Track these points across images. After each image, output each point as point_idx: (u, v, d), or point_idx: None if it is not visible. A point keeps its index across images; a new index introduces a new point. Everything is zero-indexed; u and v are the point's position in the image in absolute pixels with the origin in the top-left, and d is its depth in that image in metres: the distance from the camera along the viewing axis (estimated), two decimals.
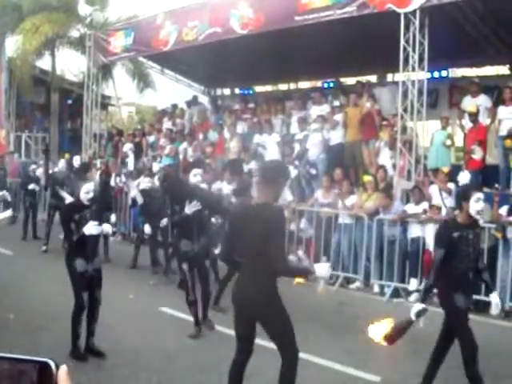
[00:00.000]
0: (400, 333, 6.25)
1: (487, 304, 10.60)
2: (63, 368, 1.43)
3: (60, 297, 9.55)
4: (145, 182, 14.66)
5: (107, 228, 8.10)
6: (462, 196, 6.67)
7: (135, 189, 14.13)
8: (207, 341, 8.51)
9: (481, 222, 10.83)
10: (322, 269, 5.53)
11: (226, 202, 10.87)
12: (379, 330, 6.07)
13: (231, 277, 10.23)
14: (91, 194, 7.61)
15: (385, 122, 15.06)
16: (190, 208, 8.71)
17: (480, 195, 6.58)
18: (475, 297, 10.72)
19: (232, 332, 8.77)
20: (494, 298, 6.72)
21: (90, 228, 7.38)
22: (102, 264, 8.15)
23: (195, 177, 9.77)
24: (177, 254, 9.41)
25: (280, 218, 5.53)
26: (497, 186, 12.26)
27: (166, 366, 7.41)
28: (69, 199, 14.71)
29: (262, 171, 6.12)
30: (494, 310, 6.80)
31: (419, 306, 6.32)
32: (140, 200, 13.79)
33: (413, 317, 6.35)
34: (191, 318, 8.94)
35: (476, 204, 6.44)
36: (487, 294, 7.43)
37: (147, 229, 13.41)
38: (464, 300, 6.45)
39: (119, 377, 7.00)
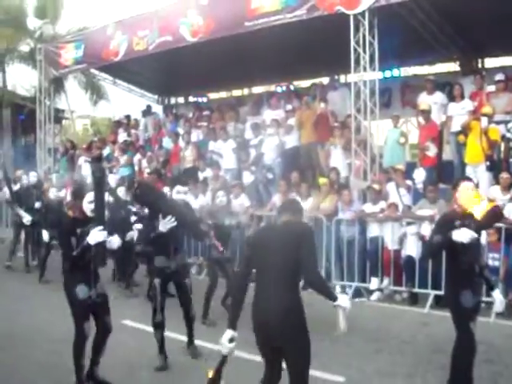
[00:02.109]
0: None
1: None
2: None
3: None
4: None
5: (116, 241, 7.03)
6: (453, 186, 6.62)
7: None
8: (169, 352, 8.35)
9: (437, 217, 10.98)
10: (344, 300, 5.42)
11: (204, 224, 10.24)
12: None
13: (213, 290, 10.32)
14: (93, 205, 6.65)
15: (336, 124, 15.13)
16: (164, 224, 7.87)
17: (469, 184, 6.49)
18: (437, 292, 10.87)
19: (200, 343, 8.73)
20: (497, 295, 6.58)
21: (96, 235, 6.38)
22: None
23: (178, 194, 9.17)
24: (151, 269, 8.64)
25: (312, 232, 5.43)
26: None
27: (128, 380, 7.31)
28: (26, 218, 14.47)
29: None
30: (498, 307, 6.63)
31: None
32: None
33: None
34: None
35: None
36: (488, 291, 7.27)
37: (45, 236, 13.40)
38: (471, 298, 6.28)
39: None
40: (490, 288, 6.79)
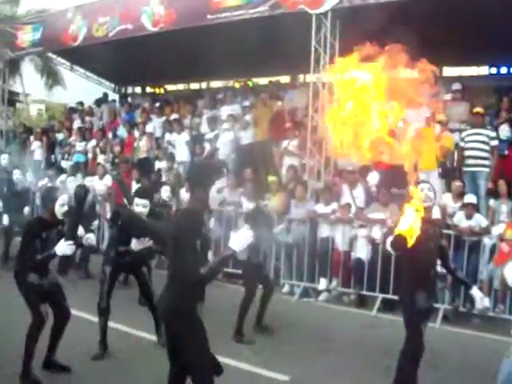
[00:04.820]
0: None
1: (396, 302, 10.82)
2: None
3: None
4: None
5: (92, 238, 7.46)
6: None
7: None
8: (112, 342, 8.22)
9: (389, 221, 11.06)
10: (238, 238, 5.11)
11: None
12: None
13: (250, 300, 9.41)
14: (66, 208, 6.83)
15: (288, 125, 15.19)
16: (137, 244, 8.04)
17: (426, 185, 6.63)
18: (385, 296, 10.96)
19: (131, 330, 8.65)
20: (476, 292, 6.57)
21: (64, 248, 6.53)
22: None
23: (137, 207, 8.44)
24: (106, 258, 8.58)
25: (186, 223, 5.18)
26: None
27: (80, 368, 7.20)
28: None
29: (187, 176, 5.53)
30: (479, 303, 6.60)
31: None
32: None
33: None
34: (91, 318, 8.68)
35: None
36: (467, 291, 7.27)
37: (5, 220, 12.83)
38: (425, 300, 6.36)
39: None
40: (467, 287, 6.83)
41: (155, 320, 8.30)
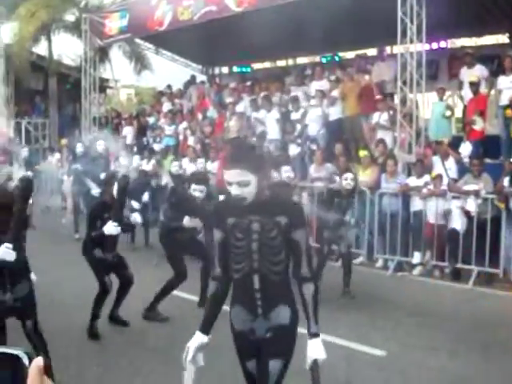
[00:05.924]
0: None
1: (493, 275, 10.62)
2: (36, 362, 1.31)
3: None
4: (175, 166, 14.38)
5: (137, 217, 8.62)
6: None
7: (167, 175, 13.96)
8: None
9: (483, 192, 10.85)
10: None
11: None
12: None
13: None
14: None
15: (378, 97, 15.03)
16: (189, 221, 8.65)
17: None
18: (481, 269, 10.76)
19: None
20: None
21: (110, 228, 7.44)
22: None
23: (194, 192, 8.70)
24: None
25: None
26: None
27: (169, 346, 7.34)
28: (95, 189, 14.34)
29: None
30: None
31: None
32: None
33: None
34: (194, 298, 8.94)
35: None
36: None
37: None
38: None
39: (125, 359, 6.97)
40: None
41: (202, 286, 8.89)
